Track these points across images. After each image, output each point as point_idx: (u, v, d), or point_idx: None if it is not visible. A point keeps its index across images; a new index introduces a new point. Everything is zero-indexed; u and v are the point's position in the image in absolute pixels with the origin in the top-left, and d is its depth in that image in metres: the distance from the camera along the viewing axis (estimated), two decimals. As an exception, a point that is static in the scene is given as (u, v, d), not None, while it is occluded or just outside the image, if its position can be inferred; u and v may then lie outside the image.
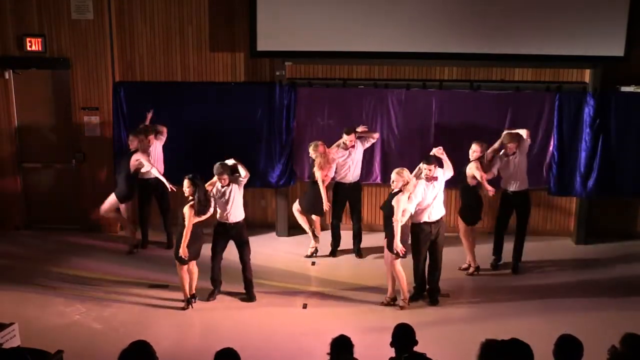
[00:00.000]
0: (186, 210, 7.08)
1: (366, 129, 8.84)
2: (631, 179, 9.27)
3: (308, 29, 9.02)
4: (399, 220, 7.05)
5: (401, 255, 7.14)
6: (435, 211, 7.37)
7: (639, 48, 8.92)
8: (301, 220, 8.88)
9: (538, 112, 9.24)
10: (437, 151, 7.60)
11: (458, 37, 8.89)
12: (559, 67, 9.27)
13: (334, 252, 8.96)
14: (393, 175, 7.18)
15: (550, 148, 9.28)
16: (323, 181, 8.54)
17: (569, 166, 9.28)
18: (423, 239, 7.37)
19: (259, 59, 9.39)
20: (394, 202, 7.08)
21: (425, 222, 7.33)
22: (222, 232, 7.51)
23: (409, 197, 7.13)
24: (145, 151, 8.74)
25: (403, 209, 7.08)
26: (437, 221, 7.39)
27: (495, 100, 9.23)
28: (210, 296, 7.59)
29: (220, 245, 7.54)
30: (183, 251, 7.11)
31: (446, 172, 7.59)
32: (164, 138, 9.05)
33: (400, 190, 7.10)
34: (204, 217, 7.27)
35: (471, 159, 8.09)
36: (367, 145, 8.81)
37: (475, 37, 8.88)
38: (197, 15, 9.42)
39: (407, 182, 7.10)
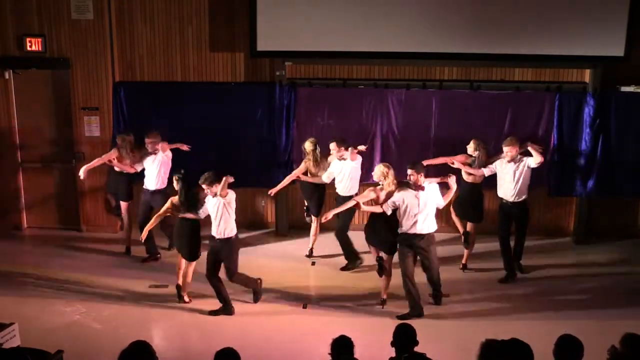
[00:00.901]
0: (169, 200, 7.38)
1: (363, 149, 8.53)
2: (631, 179, 9.26)
3: (308, 29, 9.02)
4: (355, 200, 7.25)
5: (323, 220, 7.41)
6: (422, 225, 7.05)
7: (639, 48, 8.93)
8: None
9: (538, 112, 9.25)
10: (450, 179, 7.21)
11: (458, 37, 8.89)
12: (559, 67, 9.27)
13: (355, 260, 8.55)
14: (375, 168, 7.29)
15: (550, 148, 9.28)
16: (297, 176, 8.58)
17: (569, 166, 9.28)
18: (404, 250, 7.14)
19: (259, 59, 9.39)
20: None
21: (409, 233, 7.08)
22: (210, 246, 7.23)
23: (385, 196, 7.15)
24: (122, 153, 8.59)
25: (371, 201, 7.21)
26: (424, 235, 7.09)
27: (495, 100, 9.24)
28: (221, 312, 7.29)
29: (210, 261, 7.17)
30: (143, 234, 7.61)
31: (437, 196, 7.16)
32: (157, 154, 8.44)
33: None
34: (184, 215, 7.26)
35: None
36: (354, 162, 8.31)
37: (475, 37, 8.89)
38: (197, 15, 9.42)
39: (385, 177, 7.14)
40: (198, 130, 9.42)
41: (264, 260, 8.79)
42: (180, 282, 7.48)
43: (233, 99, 9.42)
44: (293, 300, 7.61)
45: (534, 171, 9.03)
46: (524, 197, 8.06)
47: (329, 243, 8.98)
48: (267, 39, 9.06)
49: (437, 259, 7.34)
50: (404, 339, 4.66)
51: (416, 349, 4.64)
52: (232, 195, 7.10)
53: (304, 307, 7.45)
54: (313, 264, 8.75)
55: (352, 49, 9.05)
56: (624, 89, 9.09)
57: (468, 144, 8.28)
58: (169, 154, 8.53)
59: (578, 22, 8.82)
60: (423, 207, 7.04)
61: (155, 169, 8.47)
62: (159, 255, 8.70)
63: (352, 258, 8.51)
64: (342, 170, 8.37)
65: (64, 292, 7.73)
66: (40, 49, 9.31)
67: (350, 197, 8.03)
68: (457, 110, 9.25)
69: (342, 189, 8.41)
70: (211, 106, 9.43)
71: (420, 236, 7.09)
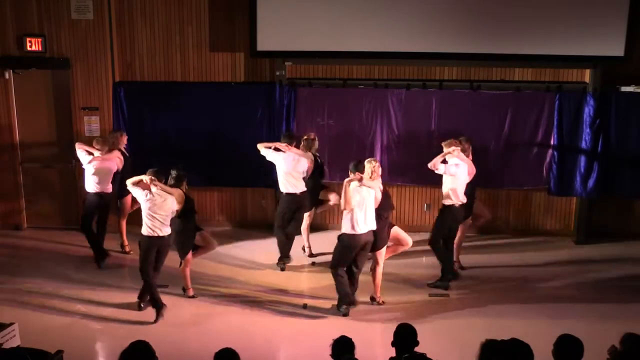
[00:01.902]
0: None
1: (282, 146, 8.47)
2: (631, 179, 9.27)
3: (308, 29, 9.02)
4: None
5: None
6: None
7: (639, 48, 8.93)
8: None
9: (538, 112, 9.25)
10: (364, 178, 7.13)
11: (458, 37, 8.89)
12: (559, 67, 9.27)
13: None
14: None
15: (550, 148, 9.28)
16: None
17: (569, 166, 9.28)
18: None
19: (259, 59, 9.39)
20: None
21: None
22: None
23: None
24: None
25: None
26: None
27: (495, 100, 9.24)
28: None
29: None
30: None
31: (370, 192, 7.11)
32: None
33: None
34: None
35: None
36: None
37: (475, 37, 8.88)
38: (197, 15, 9.42)
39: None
40: (198, 130, 9.45)
41: (264, 259, 8.79)
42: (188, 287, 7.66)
43: (233, 99, 9.42)
44: (293, 299, 7.61)
45: (534, 171, 9.13)
46: (444, 200, 7.88)
47: (327, 242, 8.98)
48: (267, 39, 9.06)
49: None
50: (404, 339, 4.65)
51: (416, 348, 4.64)
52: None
53: (304, 307, 7.45)
54: (313, 264, 8.74)
55: (352, 49, 9.05)
56: (624, 89, 9.09)
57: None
58: (93, 163, 8.39)
59: (578, 22, 8.81)
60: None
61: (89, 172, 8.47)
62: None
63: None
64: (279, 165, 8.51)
65: (64, 292, 7.72)
66: (40, 49, 9.31)
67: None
68: (457, 110, 9.24)
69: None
70: (211, 106, 9.43)
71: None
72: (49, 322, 7.00)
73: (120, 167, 8.60)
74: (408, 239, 7.72)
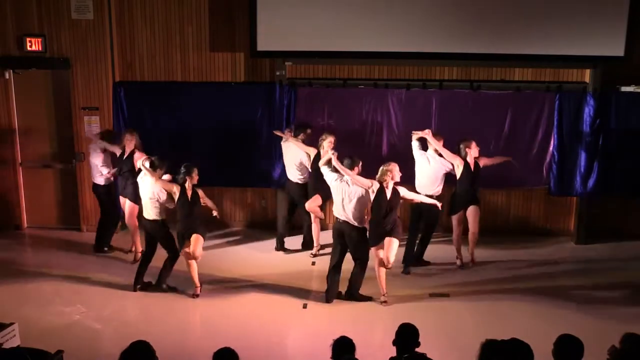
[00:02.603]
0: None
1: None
2: (631, 179, 9.27)
3: (308, 29, 9.01)
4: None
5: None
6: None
7: (639, 48, 8.93)
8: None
9: (538, 112, 9.25)
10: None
11: (458, 37, 8.89)
12: (559, 67, 9.27)
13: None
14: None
15: (550, 148, 9.29)
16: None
17: (569, 166, 9.28)
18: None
19: (259, 59, 9.39)
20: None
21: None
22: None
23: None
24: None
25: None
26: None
27: (495, 100, 9.24)
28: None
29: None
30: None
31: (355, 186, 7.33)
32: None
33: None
34: None
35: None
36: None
37: (475, 37, 8.88)
38: (197, 15, 9.43)
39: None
40: (198, 130, 9.45)
41: (264, 259, 8.79)
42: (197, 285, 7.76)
43: (233, 99, 9.42)
44: (293, 300, 7.61)
45: (534, 171, 9.13)
46: None
47: (328, 241, 8.99)
48: (267, 39, 9.05)
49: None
50: (406, 339, 4.65)
51: (416, 348, 4.64)
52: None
53: (304, 307, 7.45)
54: (313, 264, 8.75)
55: (352, 49, 9.05)
56: (624, 89, 9.09)
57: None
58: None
59: (578, 22, 8.81)
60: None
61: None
62: (106, 249, 9.02)
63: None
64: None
65: (64, 292, 7.72)
66: (40, 49, 9.31)
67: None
68: (457, 110, 9.25)
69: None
70: (211, 106, 9.43)
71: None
72: (49, 322, 7.00)
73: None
74: (389, 259, 7.25)
